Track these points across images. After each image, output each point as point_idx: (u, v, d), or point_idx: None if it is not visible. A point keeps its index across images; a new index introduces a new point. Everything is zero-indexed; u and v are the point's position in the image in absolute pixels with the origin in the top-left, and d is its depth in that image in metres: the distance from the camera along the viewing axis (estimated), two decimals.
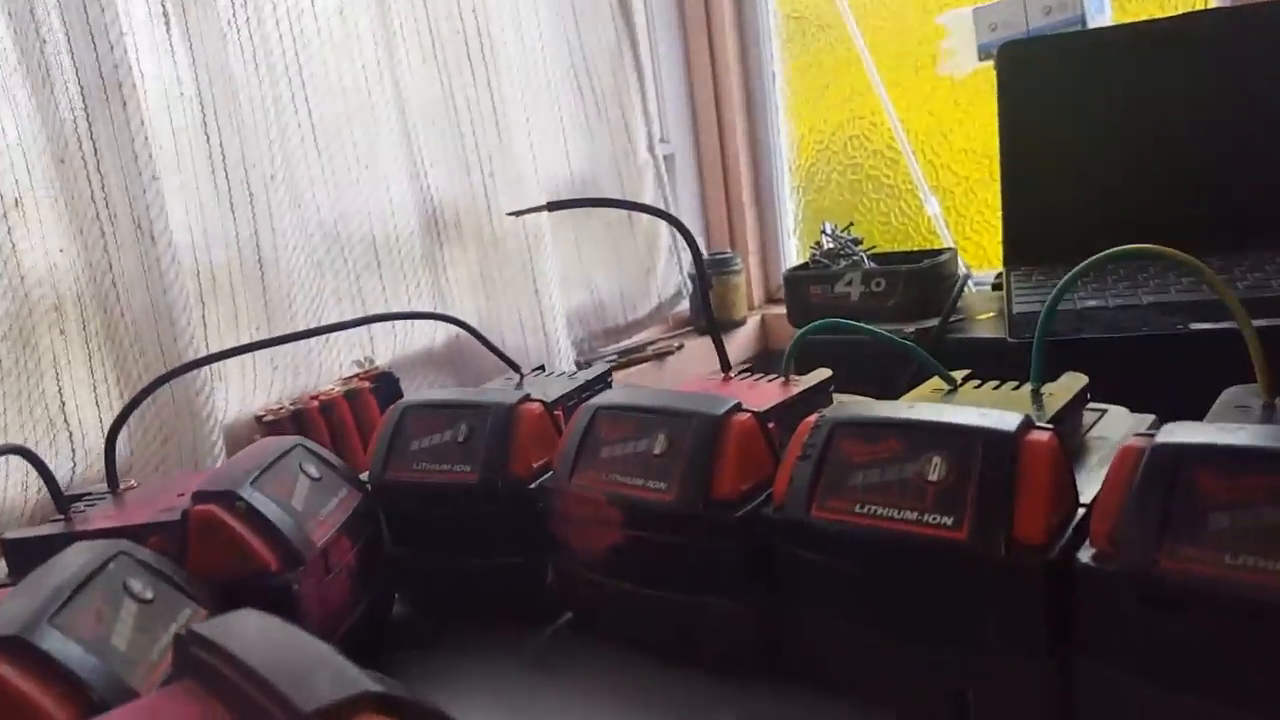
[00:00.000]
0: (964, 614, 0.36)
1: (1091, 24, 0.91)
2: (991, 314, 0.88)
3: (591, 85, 1.07)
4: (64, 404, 0.71)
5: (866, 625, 0.38)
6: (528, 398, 0.48)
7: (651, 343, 1.07)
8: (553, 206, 0.49)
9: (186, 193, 0.77)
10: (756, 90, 1.24)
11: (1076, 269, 0.41)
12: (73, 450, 0.71)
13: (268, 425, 0.76)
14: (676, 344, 1.04)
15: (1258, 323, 0.73)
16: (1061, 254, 0.88)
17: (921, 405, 0.40)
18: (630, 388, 0.49)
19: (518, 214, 0.49)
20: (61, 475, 0.69)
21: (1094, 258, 0.40)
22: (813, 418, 0.40)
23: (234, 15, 0.79)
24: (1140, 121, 0.87)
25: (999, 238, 1.05)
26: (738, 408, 0.42)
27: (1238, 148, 0.84)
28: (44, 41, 0.67)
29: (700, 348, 1.07)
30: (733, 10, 1.22)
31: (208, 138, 0.78)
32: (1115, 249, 0.41)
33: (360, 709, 0.24)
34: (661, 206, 1.11)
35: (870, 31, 1.15)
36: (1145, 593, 0.32)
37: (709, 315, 0.52)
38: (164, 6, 0.76)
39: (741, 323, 1.15)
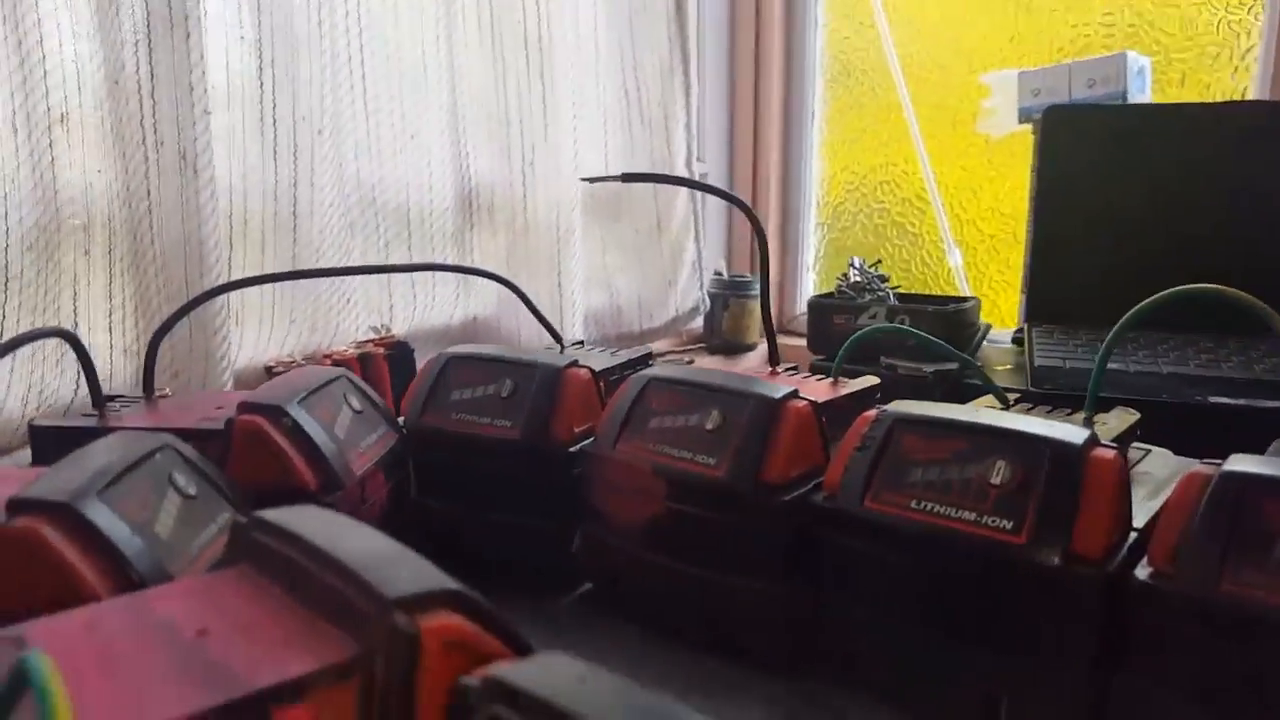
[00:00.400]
0: (1011, 620, 0.35)
1: (1132, 101, 0.94)
2: (1009, 366, 0.88)
3: (639, 94, 1.08)
4: (77, 324, 0.69)
5: (907, 621, 0.37)
6: (575, 363, 0.47)
7: (664, 354, 1.07)
8: (628, 178, 0.49)
9: (233, 135, 0.77)
10: (795, 124, 1.26)
11: (1155, 299, 0.41)
12: (78, 371, 0.69)
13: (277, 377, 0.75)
14: (687, 359, 1.04)
15: (1275, 404, 0.75)
16: (1083, 317, 0.90)
17: (985, 411, 0.40)
18: (682, 365, 0.48)
19: (592, 180, 0.49)
20: (64, 393, 0.67)
21: (1171, 291, 0.41)
22: (872, 412, 0.40)
23: None
24: (1171, 199, 0.89)
25: (1015, 297, 1.07)
26: (795, 394, 0.42)
27: (1265, 235, 0.86)
28: None
29: (710, 366, 1.07)
30: (781, 45, 1.24)
31: (261, 84, 0.78)
32: (1191, 285, 0.41)
33: (440, 604, 0.24)
34: (691, 221, 1.12)
35: (914, 82, 1.18)
36: (1206, 615, 0.32)
37: (766, 302, 0.52)
38: None
39: (752, 347, 1.15)
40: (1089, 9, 1.06)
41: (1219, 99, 0.99)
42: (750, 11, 1.23)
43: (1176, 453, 0.48)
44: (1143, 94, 0.96)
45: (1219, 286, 0.43)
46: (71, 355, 0.67)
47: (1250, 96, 0.97)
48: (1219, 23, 0.99)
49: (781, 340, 1.22)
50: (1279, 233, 0.86)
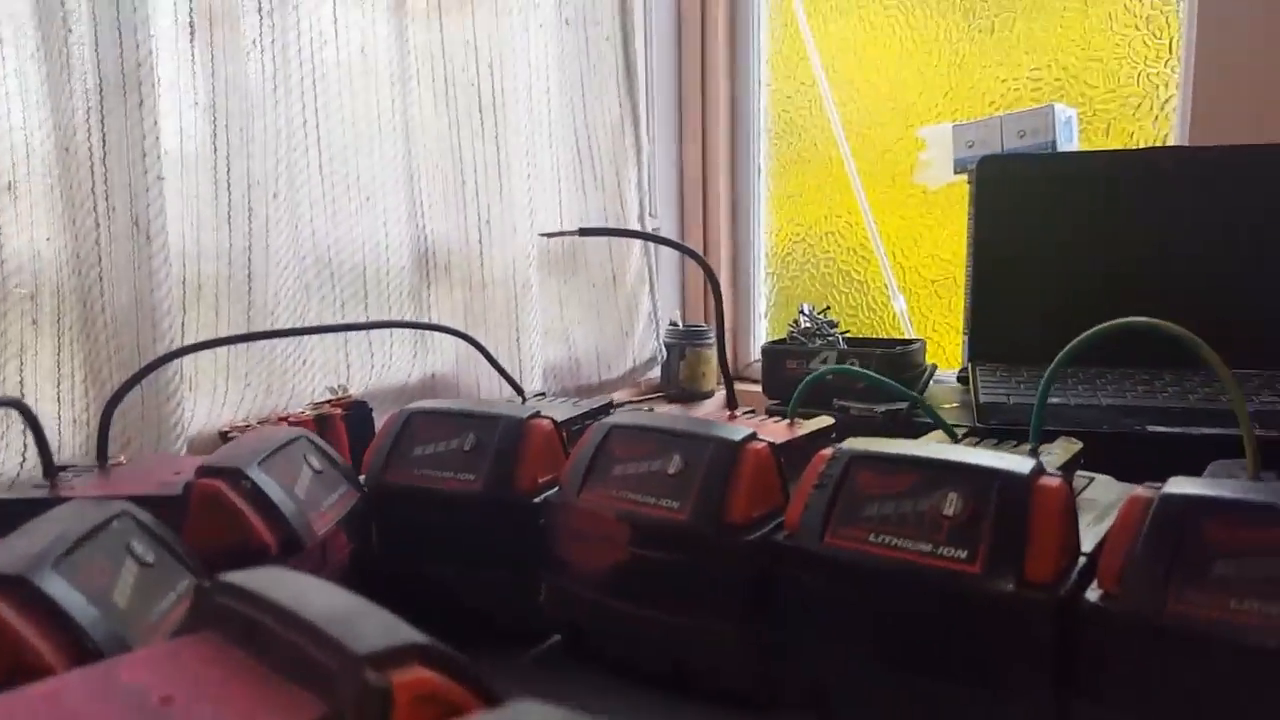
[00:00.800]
0: (970, 649, 0.36)
1: (1061, 149, 0.99)
2: (955, 404, 0.91)
3: (592, 152, 1.11)
4: (23, 394, 0.68)
5: (871, 655, 0.38)
6: (538, 414, 0.48)
7: (623, 404, 1.08)
8: (584, 232, 0.51)
9: (186, 200, 0.77)
10: (742, 179, 1.30)
11: (1090, 333, 0.43)
12: (25, 444, 0.68)
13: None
14: (646, 408, 1.05)
15: (1209, 431, 0.78)
16: (1024, 356, 0.93)
17: (936, 445, 0.42)
18: (642, 411, 0.49)
19: (549, 235, 0.50)
20: (10, 466, 0.65)
21: (1103, 326, 0.43)
22: (828, 450, 0.41)
23: (259, 37, 0.80)
24: (1102, 240, 0.93)
25: (958, 339, 1.10)
26: (754, 436, 0.43)
27: (1190, 270, 0.91)
28: (69, 30, 0.67)
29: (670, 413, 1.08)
30: (727, 104, 1.29)
31: (215, 149, 0.78)
32: (1122, 320, 0.43)
33: (410, 658, 0.24)
34: (646, 273, 1.14)
35: (854, 137, 1.23)
36: (1153, 634, 0.33)
37: (721, 349, 0.53)
38: (191, 19, 0.77)
39: (710, 394, 1.17)
40: (1017, 65, 1.12)
41: (1143, 145, 1.05)
42: (696, 73, 1.28)
43: (1119, 479, 0.50)
44: (1071, 143, 1.01)
45: (1152, 319, 0.44)
46: (16, 427, 0.66)
47: (1171, 142, 1.03)
48: (1139, 75, 1.05)
49: (738, 386, 1.24)
50: (1204, 268, 0.90)
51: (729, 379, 0.52)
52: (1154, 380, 0.87)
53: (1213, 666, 0.32)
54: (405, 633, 0.24)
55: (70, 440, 0.70)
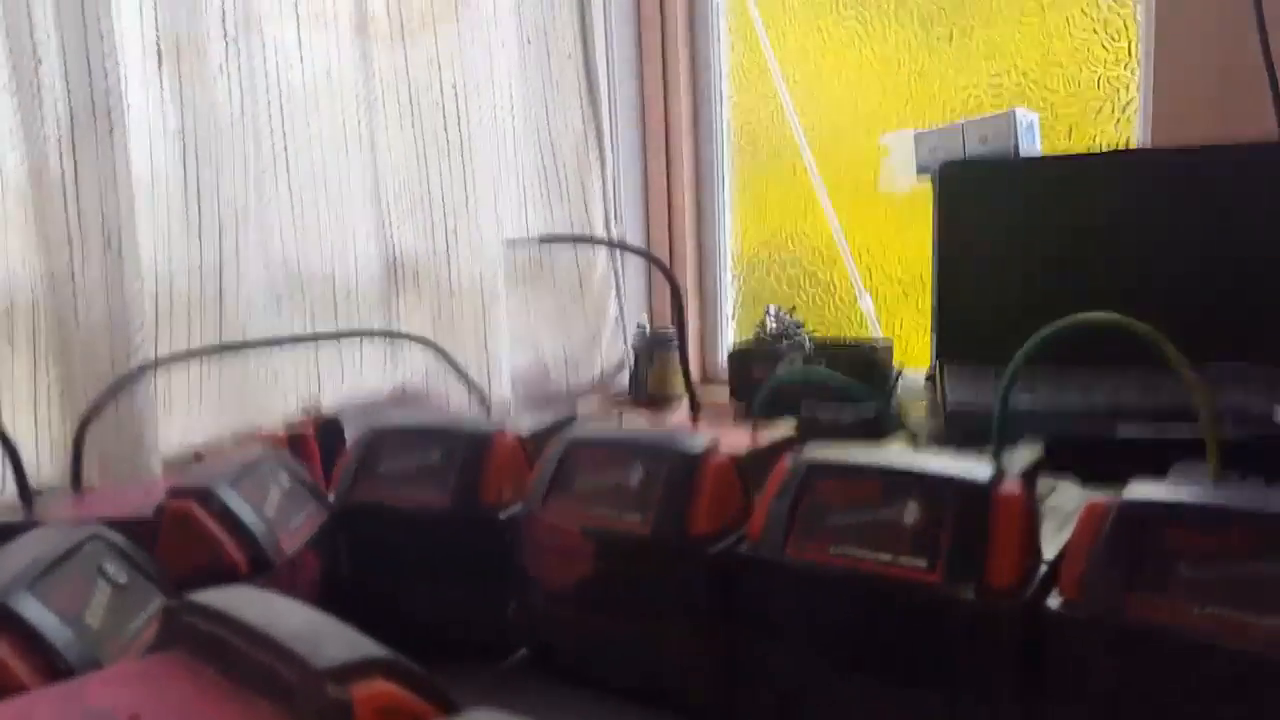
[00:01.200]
0: (933, 656, 0.37)
1: (1024, 153, 1.00)
2: (924, 403, 0.92)
3: (556, 165, 1.12)
4: (0, 417, 0.68)
5: (836, 664, 0.39)
6: (502, 428, 0.49)
7: (588, 416, 1.09)
8: (546, 239, 0.52)
9: (157, 219, 0.77)
10: (706, 186, 1.32)
11: (1051, 328, 0.43)
12: (2, 463, 0.68)
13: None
14: (615, 413, 1.06)
15: (1175, 437, 0.78)
16: (992, 355, 0.94)
17: (896, 453, 0.43)
18: (603, 422, 0.50)
19: (513, 242, 0.51)
20: None
21: (1062, 321, 0.43)
22: (788, 459, 0.42)
23: (225, 62, 0.81)
24: (1068, 241, 0.94)
25: (926, 337, 1.12)
26: (715, 448, 0.44)
27: (1153, 270, 0.92)
28: (39, 61, 0.68)
29: (637, 420, 1.09)
30: (689, 116, 1.31)
31: (185, 171, 0.79)
32: (1082, 315, 0.43)
33: (371, 672, 0.25)
34: (612, 279, 1.15)
35: (817, 145, 1.25)
36: (1114, 639, 0.33)
37: (684, 355, 0.54)
38: (159, 46, 0.78)
39: (680, 398, 1.18)
40: (977, 71, 1.14)
41: (1105, 148, 1.07)
42: (658, 87, 1.30)
43: (1088, 481, 0.49)
44: (1034, 147, 1.03)
45: (1111, 315, 0.44)
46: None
47: (1134, 144, 1.05)
48: (1099, 79, 1.07)
49: (706, 390, 1.26)
50: (1165, 267, 0.92)
51: (690, 386, 0.54)
52: (1122, 379, 0.86)
53: (1176, 670, 0.32)
54: (366, 647, 0.25)
55: (48, 462, 0.70)
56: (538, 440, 0.55)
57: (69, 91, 0.68)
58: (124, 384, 0.45)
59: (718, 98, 1.30)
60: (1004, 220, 0.96)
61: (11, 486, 0.44)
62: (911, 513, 0.38)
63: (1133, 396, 0.82)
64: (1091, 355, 0.90)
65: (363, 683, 0.24)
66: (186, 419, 0.79)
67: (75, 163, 0.68)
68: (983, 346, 0.95)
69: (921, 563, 0.37)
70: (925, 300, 1.14)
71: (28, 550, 0.32)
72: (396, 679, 0.25)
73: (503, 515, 0.46)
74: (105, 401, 0.43)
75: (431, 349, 0.54)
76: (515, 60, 1.07)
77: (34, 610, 0.29)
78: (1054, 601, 0.35)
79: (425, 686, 0.25)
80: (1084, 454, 0.78)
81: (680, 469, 0.43)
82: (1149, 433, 0.74)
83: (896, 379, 0.94)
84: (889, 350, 0.96)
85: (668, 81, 1.29)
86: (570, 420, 0.59)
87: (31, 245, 0.69)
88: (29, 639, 0.29)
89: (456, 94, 0.98)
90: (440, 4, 0.96)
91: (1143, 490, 0.36)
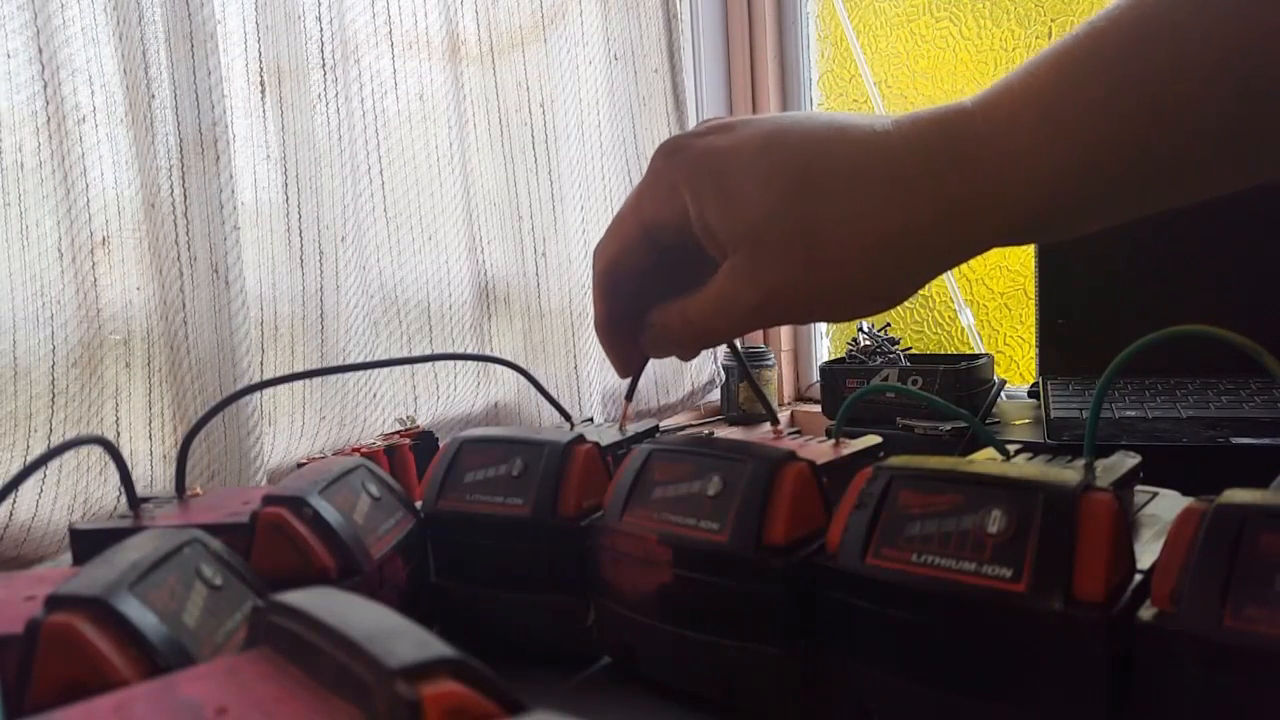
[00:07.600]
0: (1019, 670, 0.35)
1: None
2: (1027, 420, 0.89)
3: None
4: (119, 434, 0.73)
5: (916, 678, 0.37)
6: (582, 438, 0.49)
7: (681, 428, 1.08)
8: None
9: (261, 246, 0.82)
10: None
11: (1143, 340, 0.41)
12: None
13: None
14: (706, 431, 1.05)
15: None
16: (1094, 366, 0.90)
17: (980, 462, 0.41)
18: (684, 435, 0.50)
19: None
20: (107, 500, 0.70)
21: (1157, 333, 0.41)
22: (869, 469, 0.41)
23: (324, 90, 0.85)
24: (1167, 250, 0.90)
25: (1031, 352, 1.07)
26: (793, 455, 0.43)
27: (1259, 279, 0.87)
28: (153, 96, 0.73)
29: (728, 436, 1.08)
30: None
31: (287, 198, 0.83)
32: (1178, 328, 0.41)
33: (440, 672, 0.25)
34: None
35: None
36: (1210, 652, 0.31)
37: (744, 368, 0.53)
38: (262, 77, 0.83)
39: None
40: None
41: None
42: (746, 99, 1.29)
43: (1201, 493, 0.47)
44: None
45: (1205, 326, 0.42)
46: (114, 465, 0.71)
47: None
48: None
49: (798, 408, 1.24)
50: (1275, 278, 0.86)
51: (763, 398, 0.53)
52: (1239, 390, 0.83)
53: (1273, 684, 0.30)
54: (436, 648, 0.26)
55: (161, 474, 0.74)
56: (619, 451, 0.55)
57: (179, 122, 0.72)
58: (225, 404, 0.47)
59: (809, 106, 1.29)
60: (1111, 228, 0.91)
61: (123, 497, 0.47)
62: (995, 521, 0.36)
63: (1242, 407, 0.78)
64: (1202, 367, 0.85)
65: (431, 682, 0.24)
66: (290, 434, 0.82)
67: (185, 191, 0.73)
68: (1087, 360, 0.91)
69: (1006, 572, 0.35)
70: (1028, 313, 1.09)
71: (130, 553, 0.34)
72: (464, 679, 0.25)
73: (582, 524, 0.46)
74: (208, 419, 0.46)
75: (515, 369, 0.55)
76: (602, 77, 1.09)
77: (134, 609, 0.31)
78: (1146, 613, 0.33)
79: (493, 687, 0.25)
80: (1187, 464, 0.74)
81: (758, 477, 0.42)
82: (1256, 440, 0.70)
83: (996, 393, 0.90)
84: (989, 365, 0.93)
85: (756, 94, 1.29)
86: (652, 432, 0.59)
87: (146, 274, 0.74)
88: (129, 636, 0.30)
89: (544, 113, 1.00)
90: (529, 24, 0.99)
91: (1240, 495, 0.33)
